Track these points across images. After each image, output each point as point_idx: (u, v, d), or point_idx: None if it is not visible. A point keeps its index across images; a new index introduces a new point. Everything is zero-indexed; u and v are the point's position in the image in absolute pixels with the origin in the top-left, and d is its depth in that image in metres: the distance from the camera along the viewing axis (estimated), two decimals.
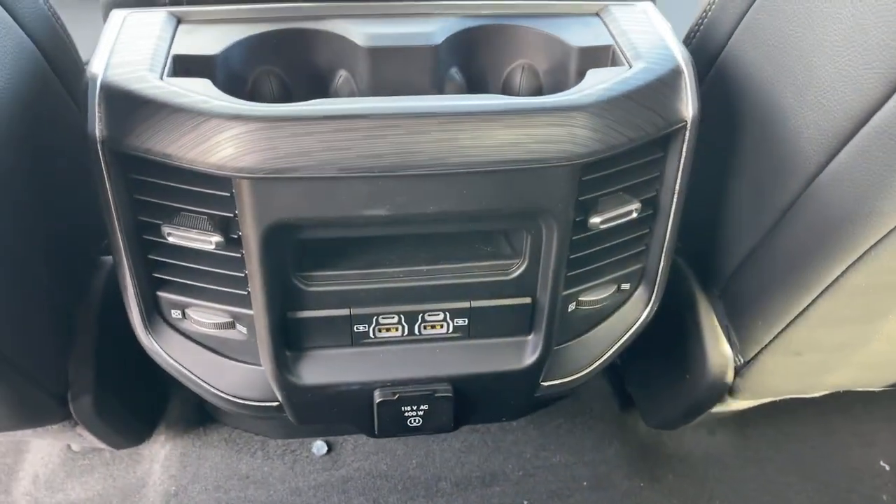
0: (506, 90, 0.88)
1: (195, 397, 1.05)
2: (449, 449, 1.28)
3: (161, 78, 0.71)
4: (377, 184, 0.69)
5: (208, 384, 0.88)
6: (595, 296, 0.88)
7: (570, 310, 0.87)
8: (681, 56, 0.78)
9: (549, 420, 1.33)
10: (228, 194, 0.71)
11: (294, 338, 0.84)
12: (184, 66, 0.75)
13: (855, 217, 0.71)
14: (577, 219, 0.78)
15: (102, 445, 1.11)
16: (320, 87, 0.85)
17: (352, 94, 0.84)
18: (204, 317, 0.83)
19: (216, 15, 0.82)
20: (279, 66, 0.83)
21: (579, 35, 0.83)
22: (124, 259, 0.78)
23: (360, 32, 0.80)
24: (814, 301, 0.82)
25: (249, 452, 1.25)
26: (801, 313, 0.84)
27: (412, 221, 0.74)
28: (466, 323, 0.85)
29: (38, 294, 0.86)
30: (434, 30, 0.81)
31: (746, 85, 0.85)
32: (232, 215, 0.72)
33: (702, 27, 0.93)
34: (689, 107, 0.77)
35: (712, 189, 0.95)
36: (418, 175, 0.69)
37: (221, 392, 0.88)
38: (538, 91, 0.86)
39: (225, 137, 0.66)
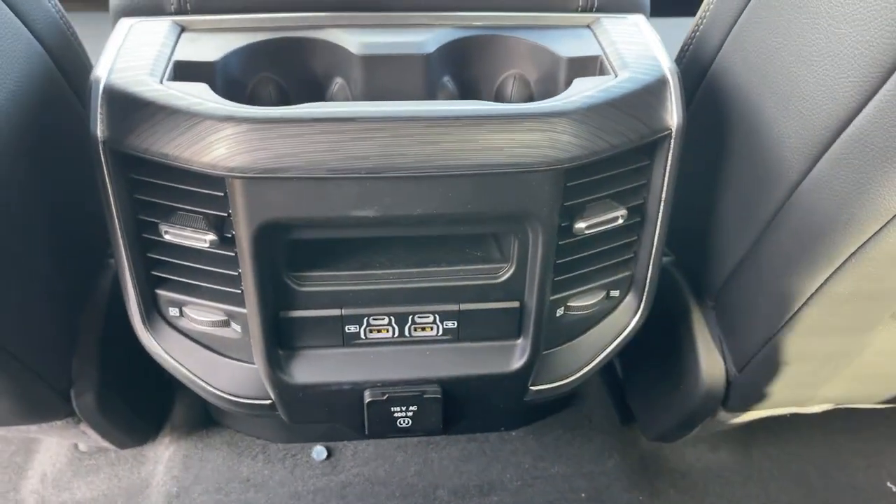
0: (498, 99, 0.89)
1: (199, 400, 1.07)
2: (447, 457, 1.29)
3: (161, 82, 0.74)
4: (365, 185, 0.71)
5: (204, 381, 0.90)
6: (583, 301, 0.89)
7: (558, 315, 0.88)
8: (667, 66, 0.79)
9: (548, 430, 1.33)
10: (222, 194, 0.73)
11: (286, 337, 0.86)
12: (184, 71, 0.78)
13: (835, 224, 0.72)
14: (563, 224, 0.79)
15: (107, 444, 1.14)
16: (317, 93, 0.87)
17: (346, 101, 0.86)
18: (200, 315, 0.85)
19: (219, 24, 0.85)
20: (277, 73, 0.85)
21: (569, 46, 0.84)
22: (124, 257, 0.80)
23: (354, 41, 0.83)
24: (800, 309, 0.82)
25: (251, 456, 1.27)
26: (788, 321, 0.84)
27: (400, 223, 0.76)
28: (456, 325, 0.87)
29: (44, 292, 0.88)
30: (426, 39, 0.83)
31: (734, 96, 0.86)
32: (226, 214, 0.75)
33: (694, 40, 0.94)
34: (674, 116, 0.78)
35: (704, 199, 0.95)
36: (404, 177, 0.71)
37: (217, 389, 0.90)
38: (529, 100, 0.88)
39: (218, 138, 0.69)
